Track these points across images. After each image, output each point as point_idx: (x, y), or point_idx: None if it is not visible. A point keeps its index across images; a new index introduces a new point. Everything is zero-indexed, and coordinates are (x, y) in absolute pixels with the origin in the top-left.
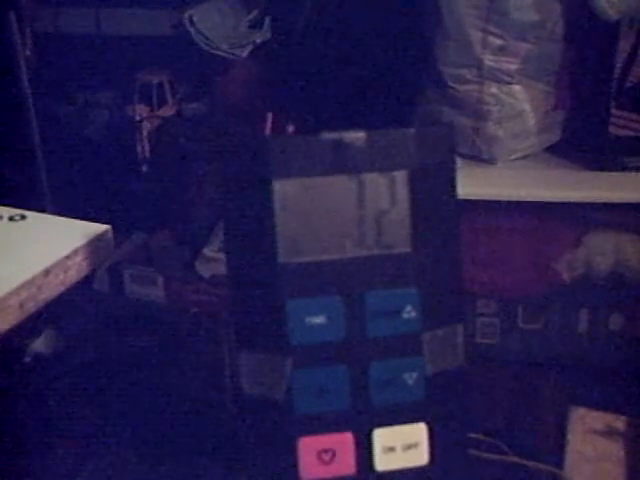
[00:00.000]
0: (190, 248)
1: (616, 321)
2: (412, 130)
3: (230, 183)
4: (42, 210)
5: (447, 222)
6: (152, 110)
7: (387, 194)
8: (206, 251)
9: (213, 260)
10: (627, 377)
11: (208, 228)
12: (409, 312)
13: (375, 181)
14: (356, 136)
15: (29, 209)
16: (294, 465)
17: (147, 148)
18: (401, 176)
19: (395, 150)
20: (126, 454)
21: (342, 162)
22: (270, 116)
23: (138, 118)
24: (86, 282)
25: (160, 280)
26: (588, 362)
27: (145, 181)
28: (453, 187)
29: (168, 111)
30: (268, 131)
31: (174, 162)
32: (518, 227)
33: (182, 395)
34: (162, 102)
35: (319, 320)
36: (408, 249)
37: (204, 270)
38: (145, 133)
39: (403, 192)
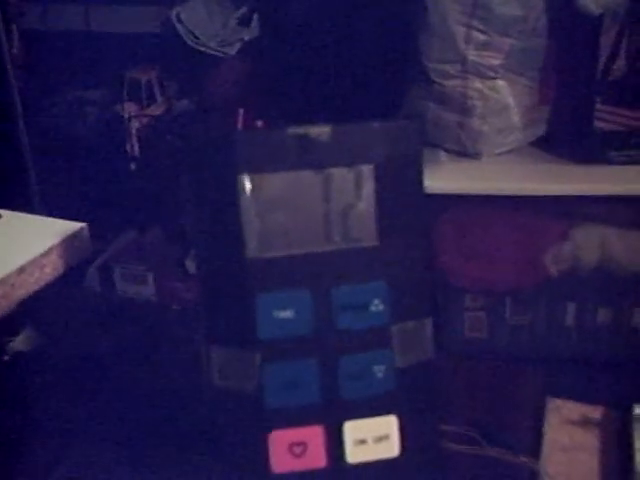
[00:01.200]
0: (181, 246)
1: (603, 315)
2: (377, 124)
3: (198, 178)
4: (30, 208)
5: (414, 215)
6: (141, 108)
7: (353, 188)
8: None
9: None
10: (614, 370)
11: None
12: (377, 305)
13: (341, 175)
14: (321, 130)
15: (18, 207)
16: (265, 458)
17: (136, 146)
18: (367, 170)
19: (361, 144)
20: (105, 450)
21: (308, 156)
22: (242, 112)
23: (127, 116)
24: (76, 280)
25: (151, 278)
26: (575, 356)
27: (135, 179)
28: (420, 180)
29: (157, 109)
30: (239, 126)
31: (163, 160)
32: (504, 221)
33: (165, 391)
34: (151, 100)
35: (288, 314)
36: (375, 243)
37: (194, 267)
38: (134, 131)
39: (369, 186)
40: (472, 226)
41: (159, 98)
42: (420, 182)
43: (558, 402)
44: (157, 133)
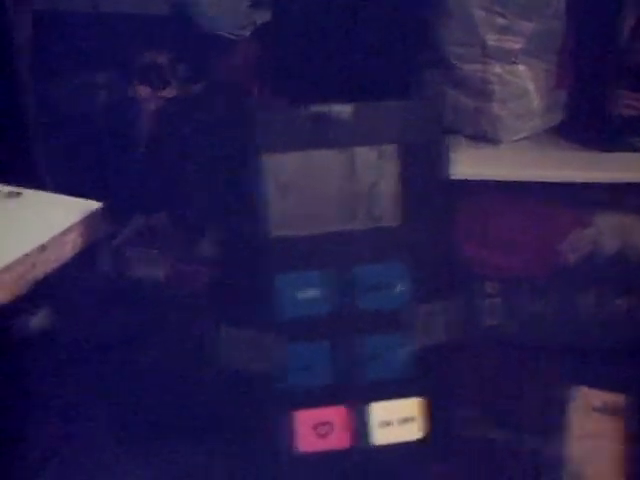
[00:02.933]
0: (192, 229)
1: (621, 303)
2: (401, 103)
3: (218, 157)
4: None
5: (437, 197)
6: (153, 91)
7: (376, 167)
8: (208, 232)
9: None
10: (631, 359)
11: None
12: (399, 286)
13: (364, 154)
14: (343, 109)
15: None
16: (291, 438)
17: (148, 129)
18: (390, 150)
19: (384, 123)
20: (115, 431)
21: (330, 135)
22: (260, 91)
23: (139, 99)
24: (88, 262)
25: (162, 261)
26: (593, 344)
27: (146, 162)
28: (443, 161)
29: (169, 92)
30: (258, 107)
31: (176, 143)
32: (522, 208)
33: (174, 373)
34: (163, 83)
35: (308, 294)
36: (398, 223)
37: (207, 251)
38: (146, 114)
39: (393, 166)
40: (490, 212)
41: (171, 81)
42: (444, 163)
43: (583, 390)
44: (169, 116)
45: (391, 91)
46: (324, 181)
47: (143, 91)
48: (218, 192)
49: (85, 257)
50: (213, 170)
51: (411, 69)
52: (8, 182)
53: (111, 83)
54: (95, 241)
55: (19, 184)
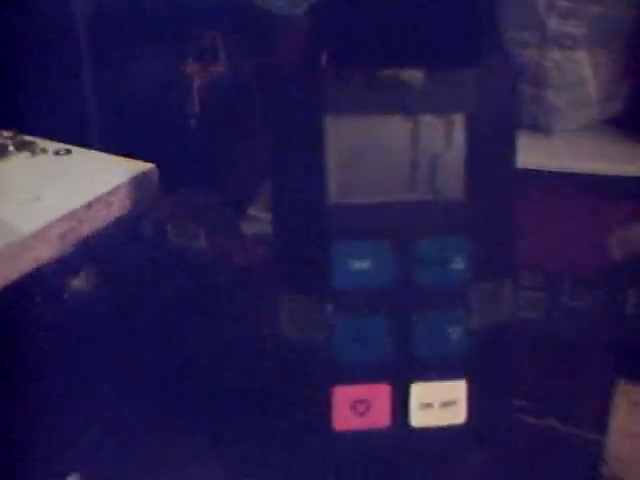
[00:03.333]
0: (235, 206)
1: None
2: (472, 70)
3: (280, 119)
4: None
5: (503, 173)
6: (204, 66)
7: (443, 138)
8: (251, 210)
9: (257, 220)
10: None
11: (255, 187)
12: (458, 263)
13: (431, 123)
14: (413, 74)
15: None
16: (328, 415)
17: (197, 104)
18: (459, 119)
19: (454, 91)
20: (158, 398)
21: (397, 101)
22: (325, 55)
23: (189, 74)
24: (130, 231)
25: (203, 236)
26: (634, 343)
27: (194, 137)
28: (512, 135)
29: (220, 67)
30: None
31: (224, 119)
32: (571, 200)
33: (213, 345)
34: (214, 58)
35: (365, 265)
36: (461, 197)
37: (248, 229)
38: (196, 89)
39: (460, 137)
40: (537, 203)
41: (222, 57)
42: (513, 136)
43: (627, 386)
44: (219, 92)
45: (464, 58)
46: (387, 149)
47: (193, 66)
48: (280, 153)
49: (132, 223)
50: (276, 130)
51: (485, 36)
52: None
53: (163, 58)
54: (144, 204)
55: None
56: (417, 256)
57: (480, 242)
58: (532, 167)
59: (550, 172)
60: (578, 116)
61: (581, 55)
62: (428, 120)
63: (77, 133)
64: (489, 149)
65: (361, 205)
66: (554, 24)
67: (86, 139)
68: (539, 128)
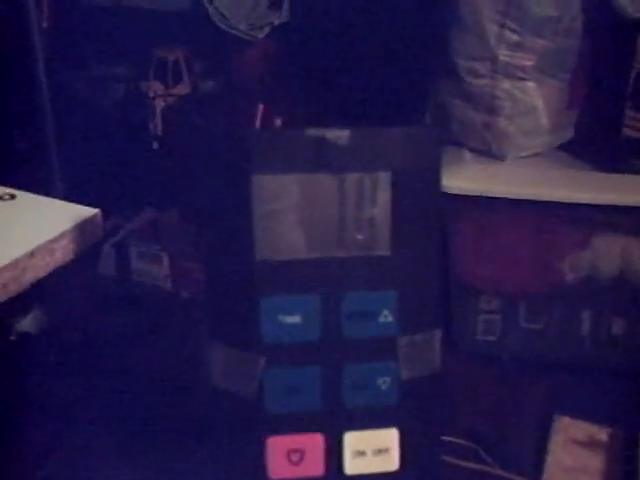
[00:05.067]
0: (197, 227)
1: (618, 326)
2: (397, 130)
3: (210, 175)
4: (50, 182)
5: (429, 227)
6: (167, 87)
7: (369, 195)
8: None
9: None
10: (625, 384)
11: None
12: (386, 315)
13: (357, 181)
14: (339, 134)
15: (38, 181)
16: (263, 464)
17: (160, 125)
18: (384, 177)
19: (379, 150)
20: (102, 439)
21: (324, 160)
22: (261, 107)
23: (152, 95)
24: (90, 259)
25: (166, 258)
26: (587, 365)
27: (156, 158)
28: (437, 191)
29: (183, 89)
30: (258, 123)
31: (186, 140)
32: (523, 225)
33: (166, 383)
34: (177, 79)
35: (294, 319)
36: (388, 252)
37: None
38: (158, 110)
39: (385, 194)
40: (491, 228)
41: (185, 78)
42: (437, 193)
43: (565, 420)
44: (181, 113)
45: (391, 118)
46: (315, 206)
47: (156, 87)
48: (212, 208)
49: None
50: (207, 186)
51: (419, 84)
52: (21, 177)
53: (126, 77)
54: (89, 247)
55: (32, 179)
56: (345, 309)
57: (407, 295)
58: (483, 193)
59: (505, 198)
60: (530, 143)
61: (531, 85)
62: (355, 178)
63: (39, 164)
64: (414, 206)
65: (289, 261)
66: (504, 56)
67: (48, 168)
68: (492, 155)
